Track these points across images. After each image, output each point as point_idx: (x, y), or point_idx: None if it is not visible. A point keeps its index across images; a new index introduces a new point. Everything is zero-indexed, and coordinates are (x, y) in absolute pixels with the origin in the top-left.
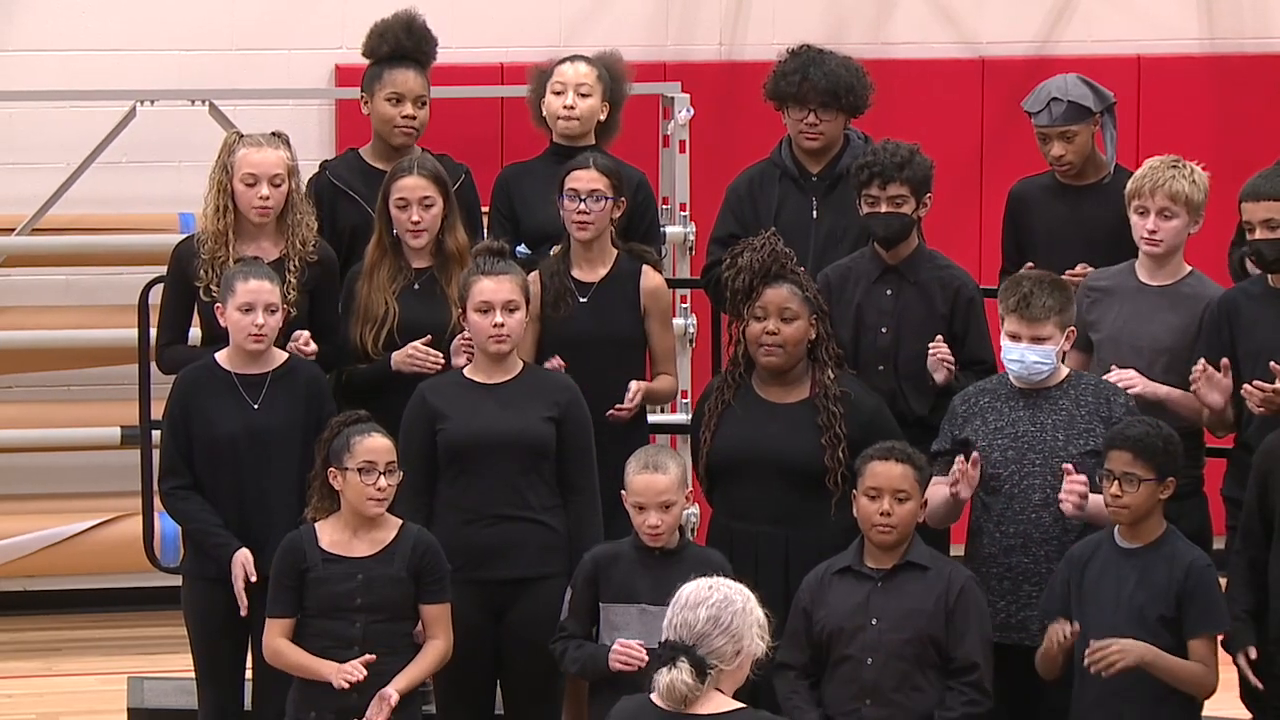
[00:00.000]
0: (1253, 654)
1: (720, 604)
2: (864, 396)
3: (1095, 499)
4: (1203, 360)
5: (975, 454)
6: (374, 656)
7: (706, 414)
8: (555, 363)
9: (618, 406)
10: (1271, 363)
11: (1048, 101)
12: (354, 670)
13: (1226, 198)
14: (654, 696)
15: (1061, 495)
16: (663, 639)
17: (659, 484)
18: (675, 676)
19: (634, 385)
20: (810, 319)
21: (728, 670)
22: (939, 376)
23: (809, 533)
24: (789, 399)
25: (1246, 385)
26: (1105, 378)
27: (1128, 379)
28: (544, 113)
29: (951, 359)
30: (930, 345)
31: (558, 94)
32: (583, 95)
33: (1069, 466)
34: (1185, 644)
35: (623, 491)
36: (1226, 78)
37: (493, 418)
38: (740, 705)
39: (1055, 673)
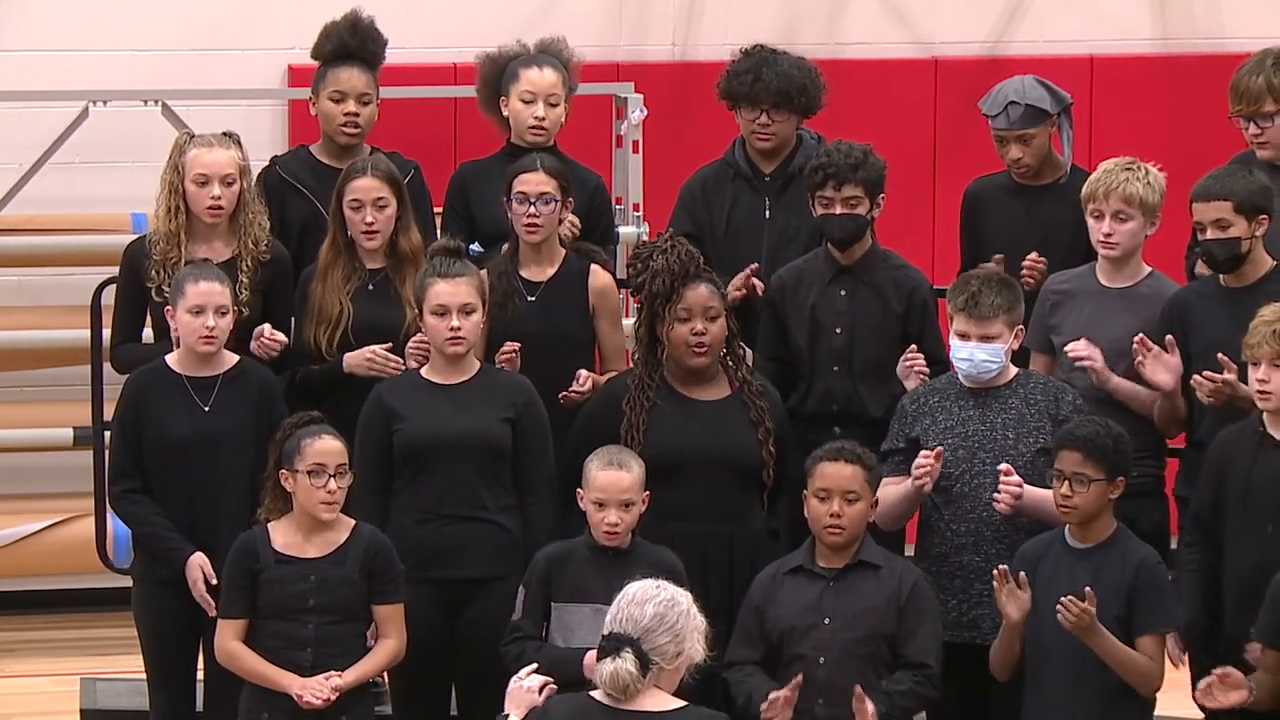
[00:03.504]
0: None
1: (667, 603)
2: (772, 392)
3: (1033, 494)
4: (1141, 335)
5: (939, 448)
6: (341, 681)
7: (628, 415)
8: (509, 349)
9: (570, 390)
10: (1219, 355)
11: (1005, 105)
12: (319, 690)
13: (1180, 198)
14: (595, 693)
15: (996, 495)
16: (606, 632)
17: (623, 482)
18: (620, 666)
19: (583, 373)
20: (726, 317)
21: (668, 670)
22: (910, 384)
23: (744, 528)
24: (713, 396)
25: (1196, 376)
26: (1066, 349)
27: (1085, 353)
28: (504, 111)
29: (926, 368)
30: (906, 355)
31: (527, 103)
32: (551, 105)
33: (1005, 467)
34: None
35: (579, 490)
36: (1179, 78)
37: (449, 419)
38: (684, 703)
39: (1008, 672)
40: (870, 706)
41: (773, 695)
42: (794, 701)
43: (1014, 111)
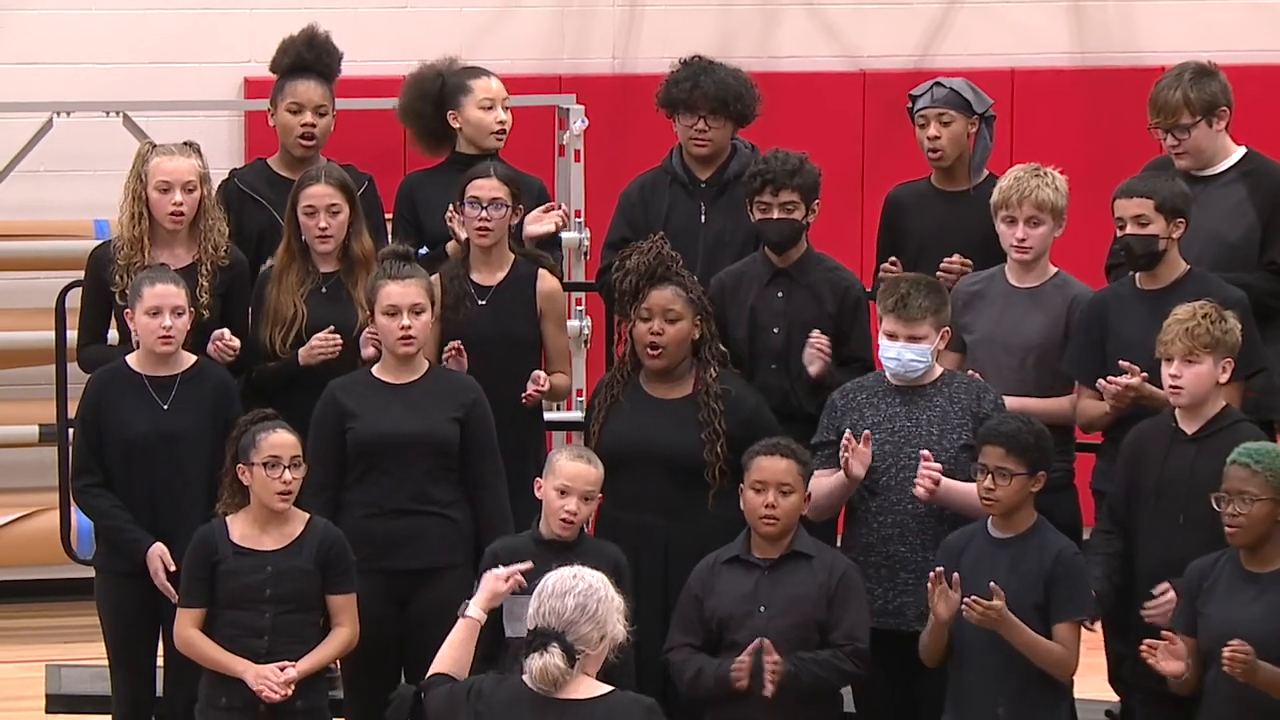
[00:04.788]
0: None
1: (586, 592)
2: (745, 394)
3: (950, 485)
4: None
5: (866, 432)
6: (293, 673)
7: (596, 408)
8: (452, 347)
9: (529, 391)
10: (1121, 361)
11: (931, 86)
12: (272, 678)
13: (1097, 205)
14: (526, 679)
15: (915, 481)
16: (530, 626)
17: (589, 475)
18: (549, 660)
19: (540, 374)
20: (694, 320)
21: (593, 655)
22: (813, 369)
23: (689, 524)
24: (673, 395)
25: (1101, 381)
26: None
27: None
28: (455, 123)
29: (828, 351)
30: (810, 337)
31: (488, 109)
32: (505, 109)
33: (925, 454)
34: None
35: (538, 479)
36: (1096, 90)
37: (400, 418)
38: (611, 688)
39: (937, 661)
40: (777, 656)
41: (740, 658)
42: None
43: (938, 91)
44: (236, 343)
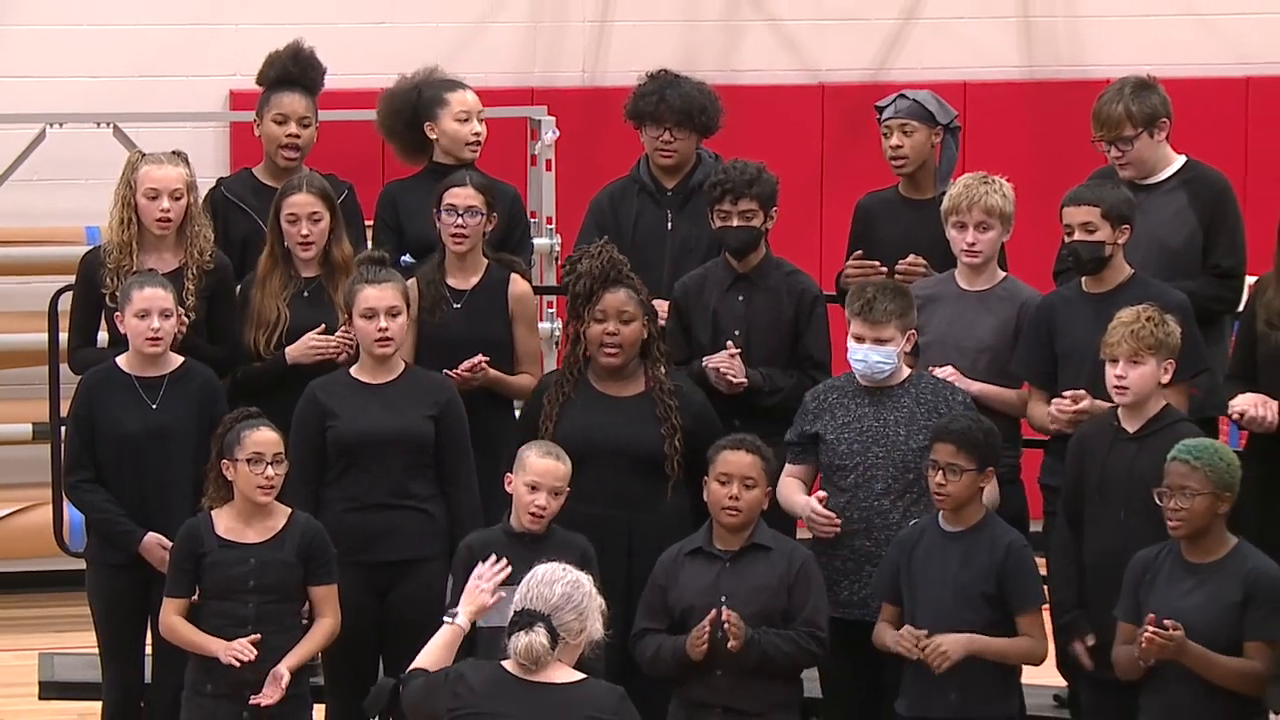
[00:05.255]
0: (1090, 640)
1: (573, 584)
2: (692, 391)
3: None
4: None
5: (729, 344)
6: (259, 636)
7: (546, 406)
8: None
9: (461, 369)
10: (1069, 394)
11: (896, 98)
12: (242, 650)
13: (1046, 213)
14: (506, 663)
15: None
16: (518, 609)
17: (558, 471)
18: (534, 639)
19: (475, 361)
20: (644, 320)
21: (572, 645)
22: (724, 386)
23: (649, 515)
24: (626, 392)
25: (1052, 411)
26: (931, 371)
27: (946, 373)
28: (431, 134)
29: (735, 376)
30: (714, 360)
31: (464, 121)
32: (480, 121)
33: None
34: (1007, 617)
35: (509, 474)
36: (1045, 102)
37: (378, 417)
38: (584, 675)
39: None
40: (736, 614)
41: (697, 629)
42: (706, 637)
43: (901, 103)
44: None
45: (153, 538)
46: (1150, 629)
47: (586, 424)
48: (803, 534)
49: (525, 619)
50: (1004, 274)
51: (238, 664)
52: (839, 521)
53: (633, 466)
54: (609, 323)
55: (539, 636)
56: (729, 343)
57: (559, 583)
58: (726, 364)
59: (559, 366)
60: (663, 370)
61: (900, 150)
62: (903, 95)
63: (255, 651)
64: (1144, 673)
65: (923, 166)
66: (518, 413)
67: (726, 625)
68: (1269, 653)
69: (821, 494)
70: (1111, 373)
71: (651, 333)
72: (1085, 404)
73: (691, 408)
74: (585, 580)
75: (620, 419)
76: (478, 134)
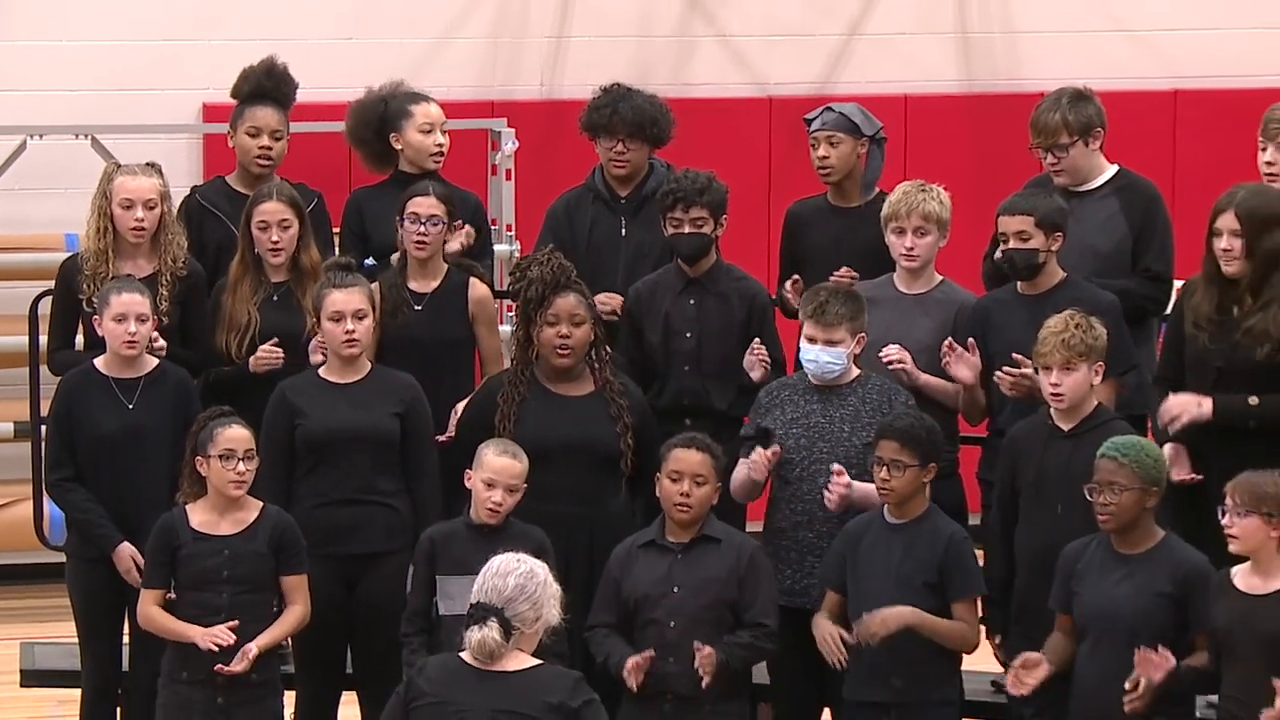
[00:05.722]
0: (998, 640)
1: (526, 574)
2: (634, 389)
3: (862, 488)
4: (949, 339)
5: (776, 446)
6: (237, 622)
7: (502, 406)
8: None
9: (446, 436)
10: (1016, 355)
11: (823, 111)
12: (221, 635)
13: (983, 219)
14: (464, 655)
15: (827, 494)
16: (474, 601)
17: (514, 469)
18: (486, 634)
19: (459, 408)
20: (592, 323)
21: (528, 633)
22: (756, 374)
23: (606, 510)
24: (578, 392)
25: (998, 373)
26: (881, 354)
27: (898, 356)
28: (396, 144)
29: (769, 358)
30: (752, 348)
31: (427, 133)
32: (443, 133)
33: (838, 467)
34: (948, 606)
35: (469, 470)
36: (982, 114)
37: (346, 415)
38: (540, 661)
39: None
40: (709, 649)
41: (630, 662)
42: (646, 667)
43: (828, 116)
44: (161, 344)
45: (126, 548)
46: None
47: (544, 423)
48: (751, 528)
49: (479, 613)
50: (941, 278)
51: (216, 649)
52: (775, 451)
53: (590, 464)
54: (561, 325)
55: (491, 631)
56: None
57: (512, 574)
58: (762, 353)
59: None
60: (609, 370)
61: (827, 160)
62: (829, 108)
63: (234, 636)
64: (1071, 662)
65: (849, 176)
66: None
67: (700, 666)
68: (1206, 642)
69: (775, 448)
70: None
71: (598, 335)
72: (1028, 369)
73: (636, 406)
74: (540, 569)
75: (575, 418)
76: (441, 145)
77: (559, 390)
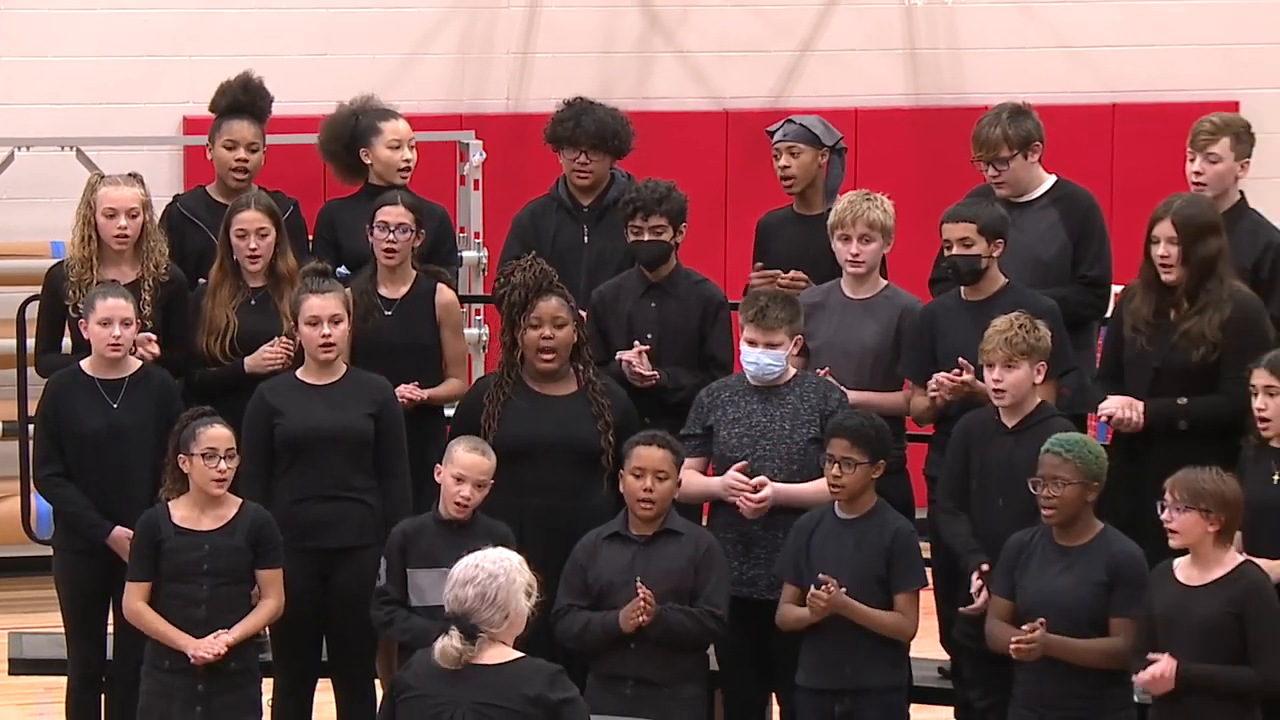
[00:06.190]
0: (985, 566)
1: (485, 581)
2: (617, 389)
3: (781, 490)
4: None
5: (744, 463)
6: (230, 637)
7: (487, 407)
8: (636, 350)
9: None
10: (960, 359)
11: (784, 122)
12: (209, 647)
13: (930, 228)
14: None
15: (741, 507)
16: (445, 611)
17: (483, 465)
18: (446, 643)
19: (404, 389)
20: (574, 326)
21: (501, 631)
22: (636, 382)
23: (586, 504)
24: (562, 392)
25: (937, 377)
26: (818, 371)
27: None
28: (366, 159)
29: (651, 373)
30: (635, 349)
31: (395, 149)
32: (411, 147)
33: (737, 476)
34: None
35: (438, 466)
36: (929, 127)
37: (322, 415)
38: (521, 655)
39: (794, 629)
40: (651, 595)
41: (631, 606)
42: (646, 607)
43: (789, 127)
44: (155, 349)
45: (120, 531)
46: (1014, 645)
47: (528, 422)
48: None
49: (443, 624)
50: (885, 283)
51: (208, 656)
52: (765, 483)
53: (573, 460)
54: (544, 328)
55: (451, 640)
56: (636, 341)
57: (471, 584)
58: (635, 359)
59: (486, 369)
60: (592, 371)
61: (789, 170)
62: (790, 120)
63: (225, 649)
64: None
65: (811, 185)
66: (448, 411)
67: (641, 601)
68: (1133, 628)
69: (742, 464)
70: (990, 377)
71: (581, 337)
72: (968, 376)
73: (619, 405)
74: (501, 570)
75: (559, 416)
76: (408, 160)
77: (543, 390)
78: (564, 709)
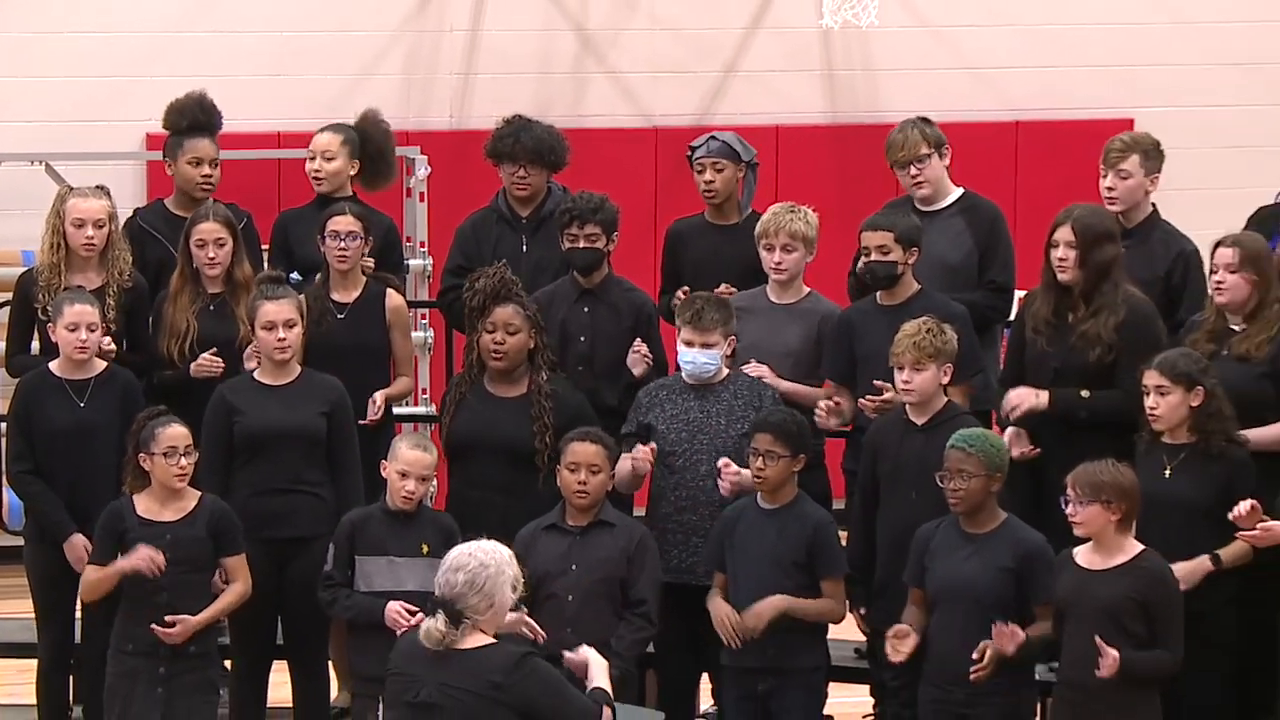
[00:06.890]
0: (862, 611)
1: (476, 569)
2: (570, 394)
3: (748, 474)
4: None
5: (653, 443)
6: (202, 617)
7: (447, 404)
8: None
9: (370, 418)
10: (876, 381)
11: (708, 139)
12: (144, 558)
13: (847, 238)
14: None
15: (720, 483)
16: (435, 594)
17: (425, 460)
18: (432, 625)
19: (377, 396)
20: (530, 332)
21: (484, 619)
22: (637, 371)
23: (522, 500)
24: (511, 394)
25: (863, 400)
26: (743, 369)
27: (759, 371)
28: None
29: (650, 356)
30: (634, 347)
31: (311, 159)
32: (327, 160)
33: (726, 461)
34: (815, 582)
35: (384, 461)
36: (845, 143)
37: (279, 414)
38: (494, 640)
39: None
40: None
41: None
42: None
43: (713, 144)
44: (111, 346)
45: (78, 539)
46: (974, 674)
47: (474, 421)
48: (639, 512)
49: (432, 606)
50: (808, 290)
51: (156, 573)
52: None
53: (509, 458)
54: (497, 333)
55: (436, 623)
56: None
57: (462, 570)
58: (644, 350)
59: (430, 370)
60: (544, 375)
61: (713, 185)
62: (713, 137)
63: (161, 557)
64: (924, 631)
65: (729, 197)
66: (396, 410)
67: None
68: (1050, 611)
69: (651, 445)
70: (899, 378)
71: (538, 343)
72: (889, 395)
73: (568, 410)
74: (491, 560)
75: (503, 416)
76: (317, 171)
77: (496, 392)
78: (522, 683)
